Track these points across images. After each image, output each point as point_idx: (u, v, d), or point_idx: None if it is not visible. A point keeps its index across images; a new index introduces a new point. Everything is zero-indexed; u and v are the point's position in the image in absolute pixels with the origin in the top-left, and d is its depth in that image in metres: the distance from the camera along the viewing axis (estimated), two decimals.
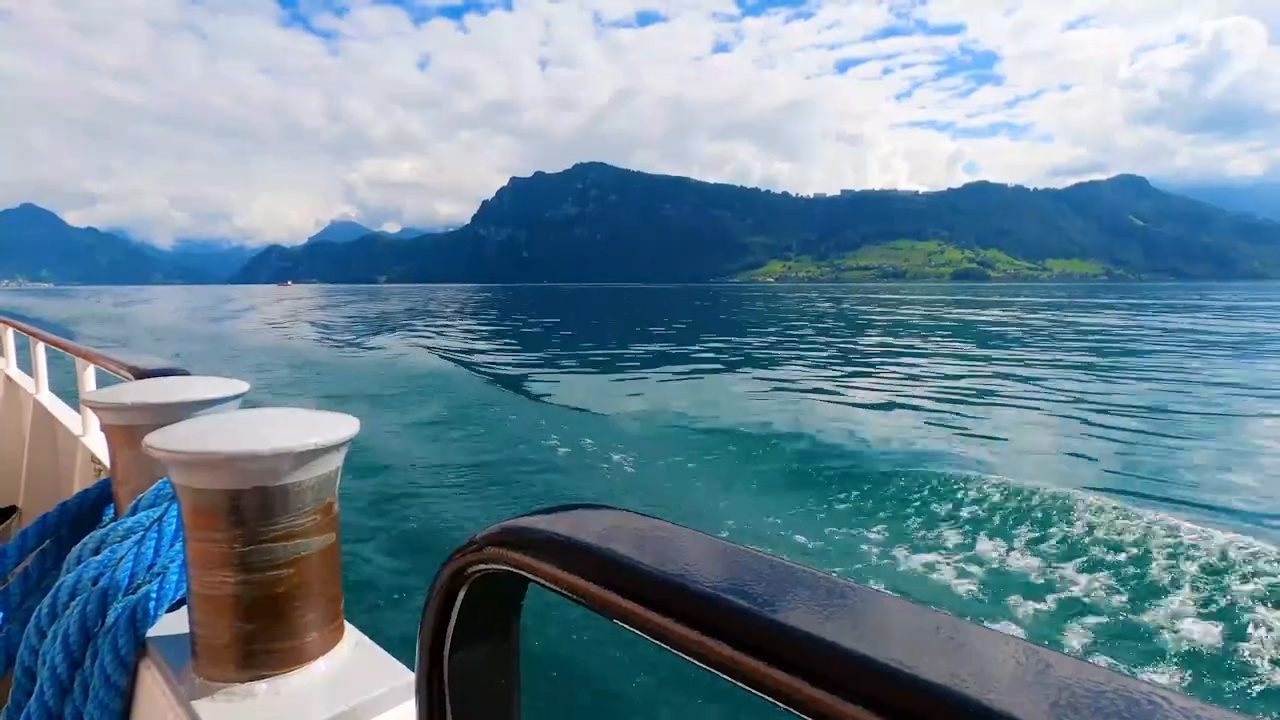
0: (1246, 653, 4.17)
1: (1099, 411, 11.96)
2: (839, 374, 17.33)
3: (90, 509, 1.25)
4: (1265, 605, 4.63)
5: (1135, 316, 42.18)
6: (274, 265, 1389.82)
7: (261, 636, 0.79)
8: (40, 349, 3.32)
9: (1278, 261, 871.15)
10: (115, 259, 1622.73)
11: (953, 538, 5.94)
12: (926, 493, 6.97)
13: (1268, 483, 7.73)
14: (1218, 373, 16.61)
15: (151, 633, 0.92)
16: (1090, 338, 27.47)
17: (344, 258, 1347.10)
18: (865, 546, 5.77)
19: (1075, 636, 4.40)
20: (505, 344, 27.01)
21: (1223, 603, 4.71)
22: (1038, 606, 4.77)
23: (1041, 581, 5.12)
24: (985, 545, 5.76)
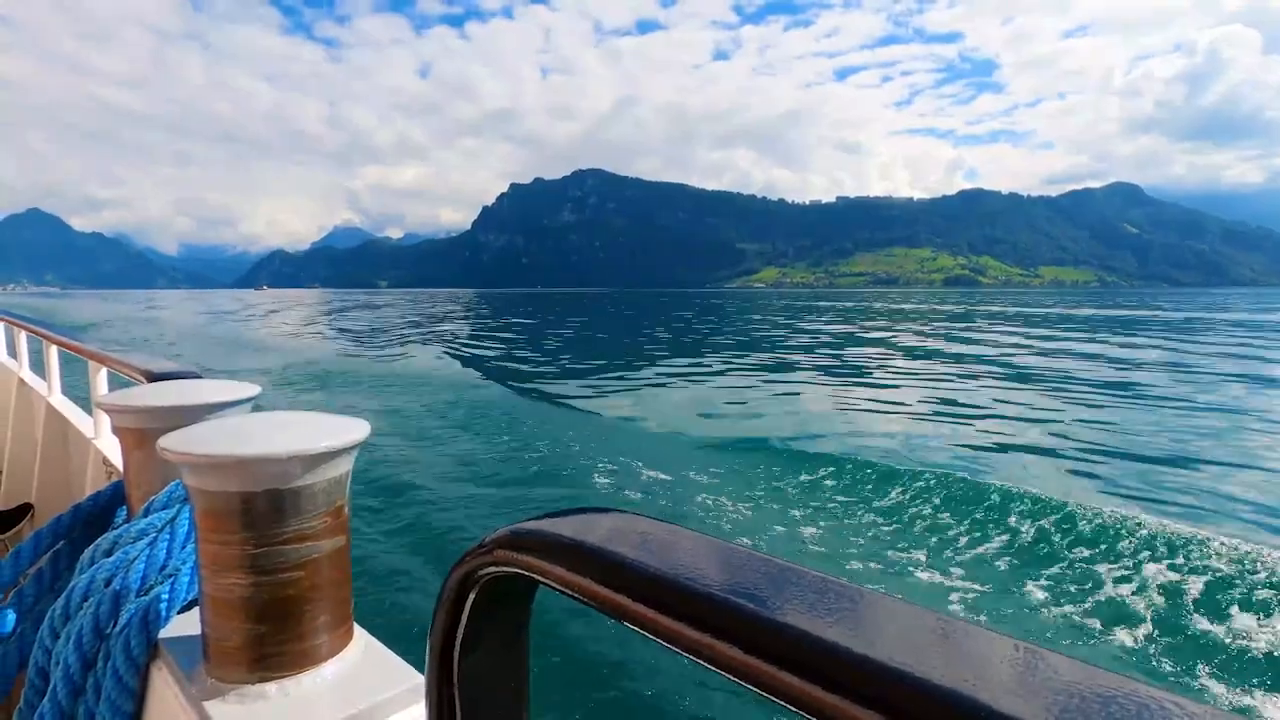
0: (1249, 657, 4.21)
1: (1095, 417, 12.04)
2: (836, 377, 17.38)
3: (103, 511, 1.26)
4: (1267, 608, 4.69)
5: (1118, 323, 42.42)
6: (276, 270, 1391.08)
7: (272, 638, 0.80)
8: (53, 352, 3.28)
9: (1268, 269, 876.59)
10: (119, 264, 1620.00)
11: (950, 540, 5.97)
12: (926, 496, 6.99)
13: (1265, 486, 7.80)
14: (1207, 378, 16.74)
15: (163, 634, 0.92)
16: (1081, 344, 27.62)
17: (345, 263, 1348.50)
18: (864, 548, 5.80)
19: (1074, 638, 4.42)
20: (507, 348, 26.99)
21: (1224, 608, 4.73)
22: (1036, 609, 4.79)
23: (1040, 584, 5.14)
24: (983, 548, 5.79)
